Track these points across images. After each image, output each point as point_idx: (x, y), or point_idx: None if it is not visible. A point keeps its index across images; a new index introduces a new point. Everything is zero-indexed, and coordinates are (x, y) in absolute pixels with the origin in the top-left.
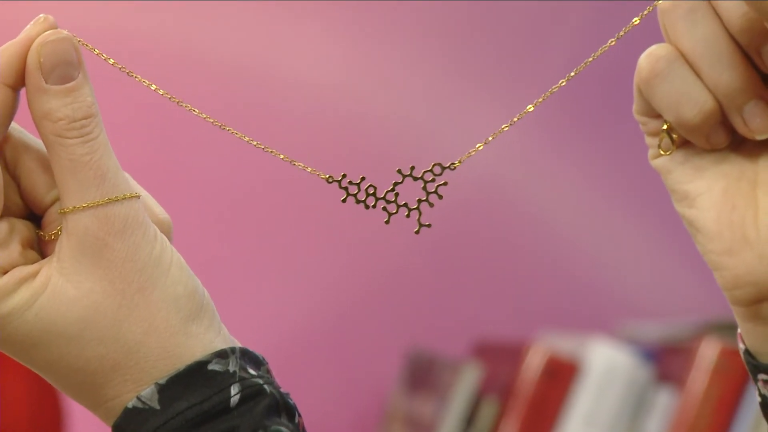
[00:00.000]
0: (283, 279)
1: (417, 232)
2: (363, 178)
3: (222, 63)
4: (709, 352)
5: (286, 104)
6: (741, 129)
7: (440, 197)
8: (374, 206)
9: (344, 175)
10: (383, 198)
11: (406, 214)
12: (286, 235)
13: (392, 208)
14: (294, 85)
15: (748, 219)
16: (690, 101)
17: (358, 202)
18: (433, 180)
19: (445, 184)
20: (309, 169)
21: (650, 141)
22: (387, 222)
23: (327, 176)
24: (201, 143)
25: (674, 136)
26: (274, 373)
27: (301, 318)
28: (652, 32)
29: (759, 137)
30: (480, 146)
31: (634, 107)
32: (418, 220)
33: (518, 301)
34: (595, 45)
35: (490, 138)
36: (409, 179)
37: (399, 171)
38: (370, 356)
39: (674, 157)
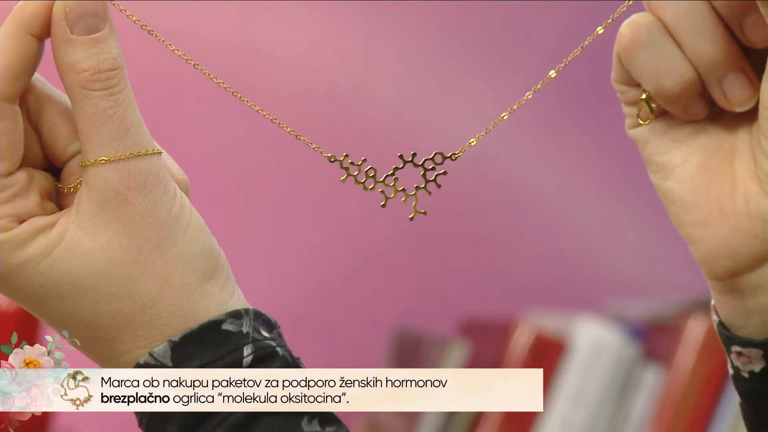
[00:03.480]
0: (270, 258)
1: (412, 219)
2: (364, 160)
3: (212, 44)
4: (696, 329)
5: (274, 85)
6: (720, 101)
7: (438, 186)
8: (372, 189)
9: (346, 155)
10: (382, 181)
11: (403, 199)
12: (272, 215)
13: (390, 192)
14: (283, 66)
15: (724, 191)
16: (670, 71)
17: (357, 182)
18: (433, 168)
19: (445, 173)
20: (313, 146)
21: (627, 110)
22: (383, 205)
23: (330, 155)
24: (196, 113)
25: (653, 105)
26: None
27: (288, 296)
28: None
29: (738, 109)
30: (481, 135)
31: (613, 75)
32: (414, 206)
33: (505, 279)
34: (587, 27)
35: (490, 127)
36: (409, 165)
37: (401, 156)
38: (357, 334)
39: (652, 127)
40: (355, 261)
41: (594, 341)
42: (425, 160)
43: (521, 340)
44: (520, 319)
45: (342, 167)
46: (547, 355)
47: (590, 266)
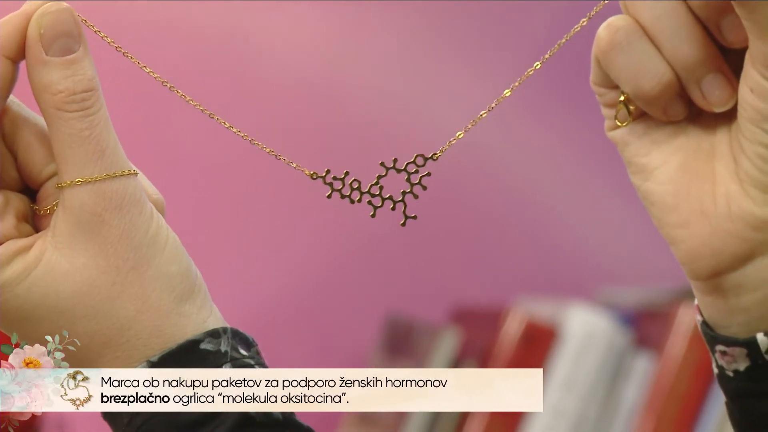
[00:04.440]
0: (261, 247)
1: (403, 225)
2: (347, 173)
3: (197, 34)
4: (687, 317)
5: (263, 75)
6: (699, 102)
7: (424, 188)
8: (359, 200)
9: (328, 171)
10: (368, 192)
11: (392, 206)
12: (263, 204)
13: (377, 201)
14: (270, 56)
15: (705, 192)
16: (648, 73)
17: (342, 197)
18: (416, 171)
19: (429, 174)
20: (294, 165)
21: (607, 112)
22: (373, 215)
23: (311, 172)
24: (179, 120)
25: (631, 107)
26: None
27: (279, 285)
28: None
29: (717, 110)
30: (460, 134)
31: (591, 77)
32: (404, 212)
33: (497, 266)
34: (577, 13)
35: (470, 125)
36: (392, 171)
37: (382, 164)
38: (348, 323)
39: (632, 129)
40: (347, 249)
41: (585, 328)
42: (407, 164)
43: (512, 327)
44: (512, 307)
45: (325, 183)
46: (538, 342)
47: (581, 254)
